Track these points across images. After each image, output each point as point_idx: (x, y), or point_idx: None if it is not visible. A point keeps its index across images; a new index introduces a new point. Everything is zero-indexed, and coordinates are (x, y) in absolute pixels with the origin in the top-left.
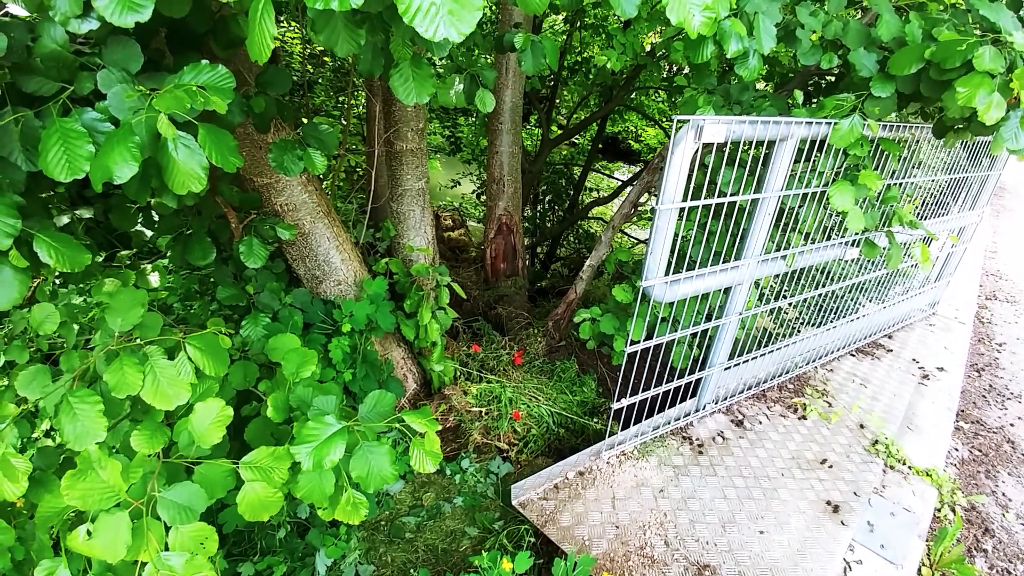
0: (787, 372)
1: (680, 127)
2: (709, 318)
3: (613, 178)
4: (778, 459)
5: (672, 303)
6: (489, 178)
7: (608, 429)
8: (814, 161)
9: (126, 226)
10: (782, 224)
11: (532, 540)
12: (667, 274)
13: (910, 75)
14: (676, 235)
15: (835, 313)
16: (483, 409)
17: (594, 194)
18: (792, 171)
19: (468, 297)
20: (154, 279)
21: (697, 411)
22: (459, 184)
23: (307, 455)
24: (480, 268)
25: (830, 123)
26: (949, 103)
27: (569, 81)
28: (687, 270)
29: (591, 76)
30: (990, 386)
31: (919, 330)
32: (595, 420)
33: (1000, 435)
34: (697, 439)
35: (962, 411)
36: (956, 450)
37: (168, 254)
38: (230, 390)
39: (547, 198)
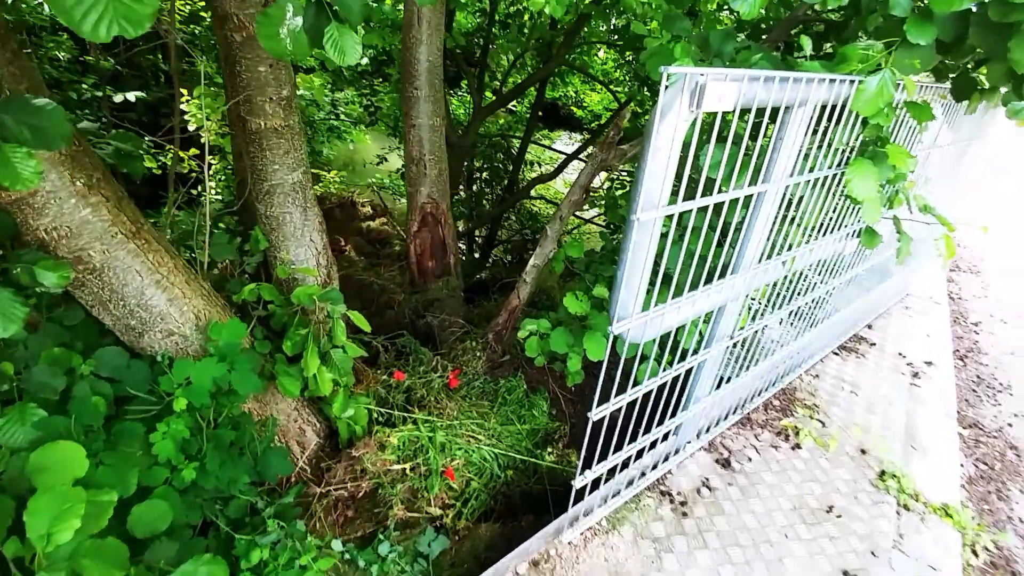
0: (772, 385)
1: (670, 86)
2: (676, 347)
3: (553, 150)
4: (778, 512)
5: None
6: (407, 158)
7: (572, 492)
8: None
9: None
10: (779, 218)
11: None
12: (646, 308)
13: (954, 17)
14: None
15: (823, 312)
16: (407, 465)
17: (535, 169)
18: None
19: (392, 303)
20: None
21: (677, 452)
22: (386, 160)
23: None
24: (406, 265)
25: (854, 82)
26: (1019, 54)
27: (500, 37)
28: (663, 290)
29: (526, 30)
30: (978, 377)
31: (896, 315)
32: (548, 451)
33: (1001, 440)
34: (679, 493)
35: (958, 412)
36: (961, 465)
37: None
38: None
39: (483, 175)
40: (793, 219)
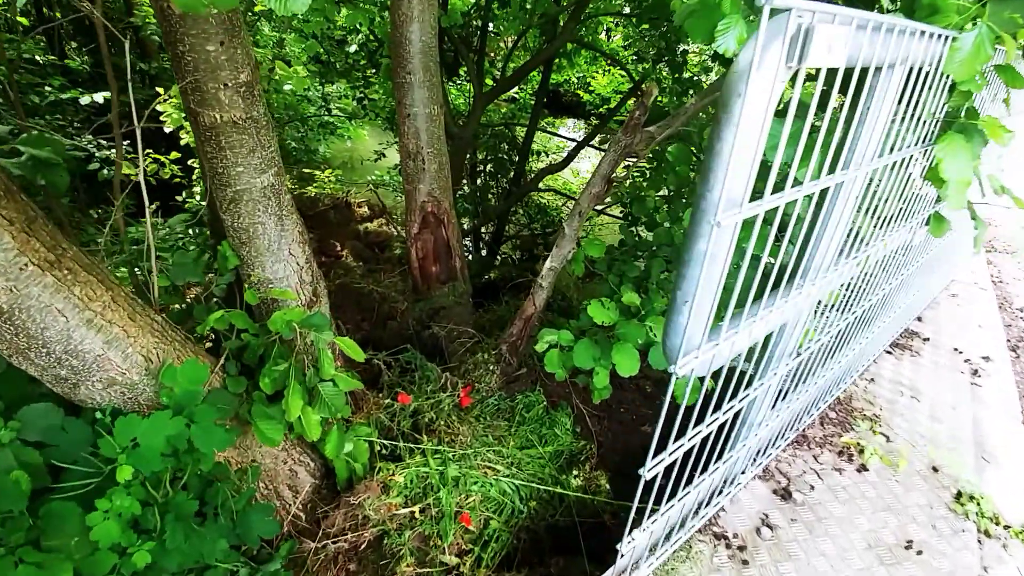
0: (827, 394)
1: (771, 21)
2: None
3: (562, 137)
4: (852, 553)
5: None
6: (403, 152)
7: (620, 547)
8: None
9: None
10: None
11: None
12: (708, 336)
13: None
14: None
15: (882, 311)
16: (416, 508)
17: (543, 158)
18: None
19: (394, 313)
20: None
21: (731, 482)
22: (384, 156)
23: None
24: (408, 271)
25: (946, 39)
26: None
27: (500, 16)
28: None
29: (528, 6)
30: None
31: (945, 305)
32: (574, 474)
33: None
34: (735, 536)
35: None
36: None
37: None
38: None
39: (487, 167)
40: (867, 208)
